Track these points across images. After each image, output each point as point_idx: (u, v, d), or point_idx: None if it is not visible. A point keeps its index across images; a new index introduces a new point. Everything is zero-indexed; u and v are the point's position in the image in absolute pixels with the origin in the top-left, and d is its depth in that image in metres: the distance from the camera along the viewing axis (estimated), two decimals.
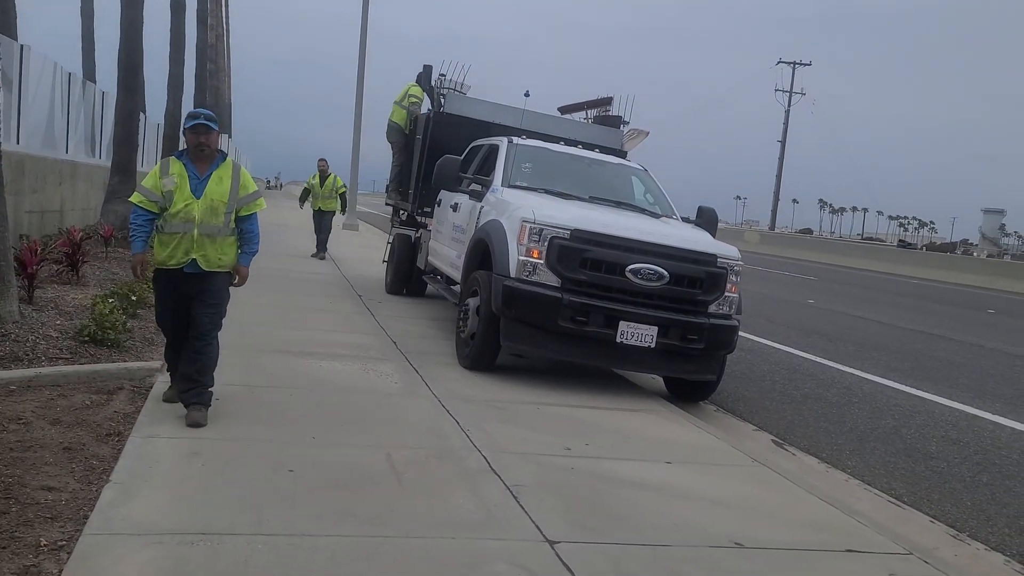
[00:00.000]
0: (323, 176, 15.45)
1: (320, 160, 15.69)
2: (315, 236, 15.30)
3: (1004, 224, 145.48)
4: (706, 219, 8.19)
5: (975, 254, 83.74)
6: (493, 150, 8.43)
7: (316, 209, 15.43)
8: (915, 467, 5.72)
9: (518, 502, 3.90)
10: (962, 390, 8.45)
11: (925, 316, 15.89)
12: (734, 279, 6.68)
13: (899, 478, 5.46)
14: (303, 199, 15.88)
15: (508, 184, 7.64)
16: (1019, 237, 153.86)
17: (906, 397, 7.89)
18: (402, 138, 11.20)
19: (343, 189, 15.84)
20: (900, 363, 9.79)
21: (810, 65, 66.96)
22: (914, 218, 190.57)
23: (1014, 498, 5.22)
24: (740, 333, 7.18)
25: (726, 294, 6.62)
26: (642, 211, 7.90)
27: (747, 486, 4.64)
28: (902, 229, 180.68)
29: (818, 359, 9.50)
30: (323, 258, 14.80)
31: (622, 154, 10.16)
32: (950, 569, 3.75)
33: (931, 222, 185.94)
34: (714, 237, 7.53)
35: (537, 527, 3.63)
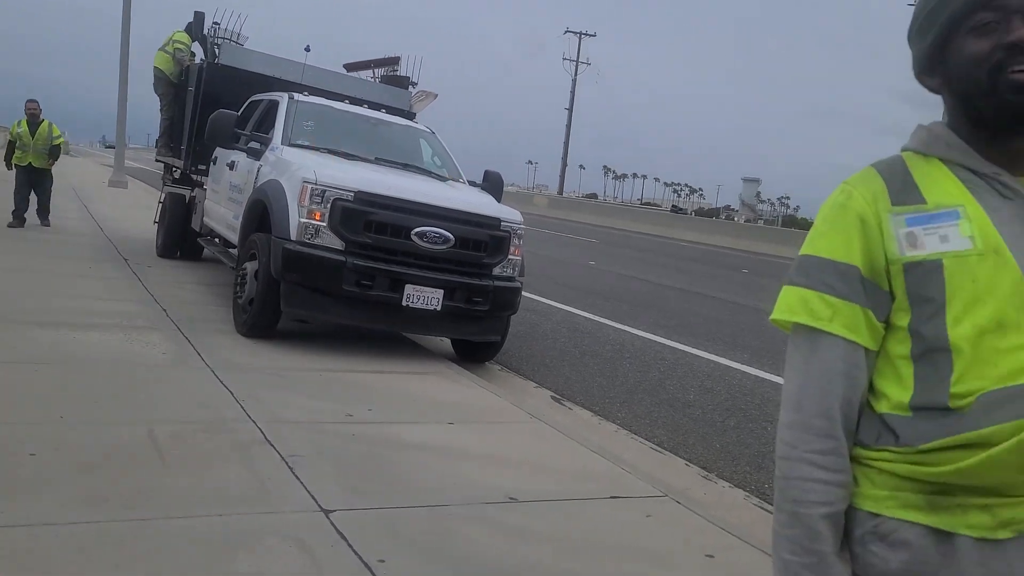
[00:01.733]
0: (34, 122, 12.15)
1: (29, 102, 12.27)
2: (14, 199, 11.73)
3: (760, 192, 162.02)
4: (492, 183, 8.34)
5: (735, 219, 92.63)
6: (272, 106, 8.01)
7: (26, 165, 12.12)
8: (675, 415, 6.25)
9: (293, 473, 3.78)
10: (718, 343, 9.33)
11: (691, 276, 17.35)
12: (517, 242, 6.88)
13: (661, 426, 5.94)
14: (8, 156, 12.41)
15: (289, 143, 7.30)
16: (770, 204, 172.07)
17: (671, 351, 8.58)
18: (171, 89, 10.39)
19: (60, 140, 12.63)
20: (667, 320, 10.62)
21: (595, 36, 70.23)
22: (686, 185, 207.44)
23: (755, 439, 5.86)
24: (524, 294, 7.41)
25: (509, 257, 6.80)
26: (429, 174, 7.89)
27: (525, 442, 4.83)
28: (676, 195, 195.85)
29: (595, 317, 10.07)
30: (48, 225, 11.98)
31: (410, 116, 10.05)
32: (698, 507, 4.14)
33: (700, 189, 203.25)
34: (499, 201, 7.69)
35: (312, 497, 3.54)
